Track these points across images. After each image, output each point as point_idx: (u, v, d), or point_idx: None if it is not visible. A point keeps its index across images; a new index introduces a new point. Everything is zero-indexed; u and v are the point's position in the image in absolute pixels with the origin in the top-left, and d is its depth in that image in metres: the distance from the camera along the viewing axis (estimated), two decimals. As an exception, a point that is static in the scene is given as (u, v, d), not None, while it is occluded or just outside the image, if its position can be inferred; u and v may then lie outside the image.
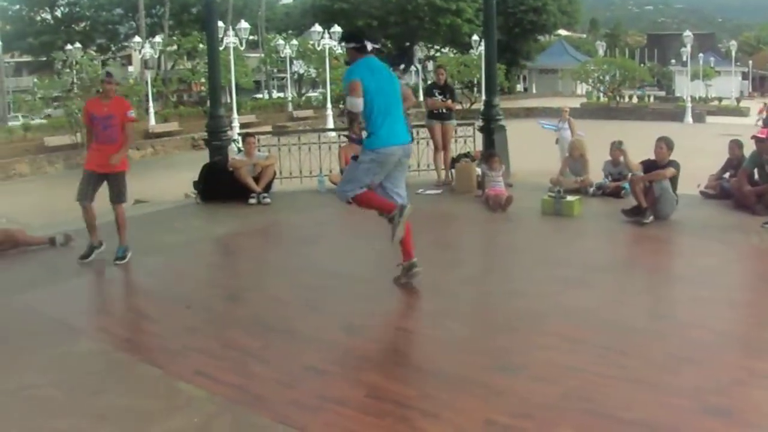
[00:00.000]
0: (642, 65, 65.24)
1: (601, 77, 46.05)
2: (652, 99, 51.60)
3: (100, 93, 8.96)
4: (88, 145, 9.03)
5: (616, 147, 11.17)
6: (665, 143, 9.82)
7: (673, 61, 73.99)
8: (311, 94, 55.56)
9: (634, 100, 46.53)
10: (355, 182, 7.01)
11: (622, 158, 10.90)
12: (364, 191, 7.01)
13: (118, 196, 8.65)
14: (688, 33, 44.87)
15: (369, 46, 6.99)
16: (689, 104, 40.41)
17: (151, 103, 38.27)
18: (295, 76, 54.04)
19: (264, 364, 5.33)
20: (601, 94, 47.17)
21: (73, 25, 61.87)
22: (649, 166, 9.93)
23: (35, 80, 40.44)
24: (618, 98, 45.33)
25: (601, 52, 73.23)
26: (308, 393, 4.79)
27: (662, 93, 65.80)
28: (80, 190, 8.52)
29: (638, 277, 7.73)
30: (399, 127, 7.02)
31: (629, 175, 10.39)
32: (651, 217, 9.56)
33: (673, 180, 9.70)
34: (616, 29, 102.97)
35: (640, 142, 10.64)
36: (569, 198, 10.37)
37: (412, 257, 7.11)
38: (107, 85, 8.75)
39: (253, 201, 11.82)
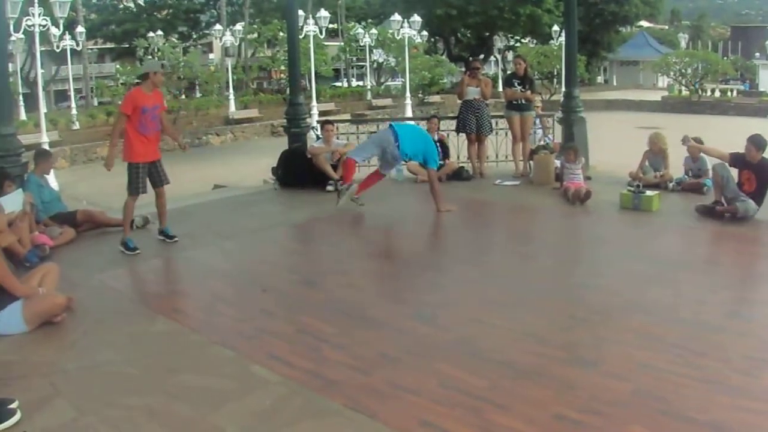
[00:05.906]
0: (725, 58, 63.69)
1: (683, 70, 45.03)
2: (735, 93, 50.24)
3: (143, 84, 8.47)
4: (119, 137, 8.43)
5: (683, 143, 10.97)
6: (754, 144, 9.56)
7: (757, 54, 71.97)
8: (390, 83, 55.51)
9: (717, 93, 45.35)
10: None
11: (701, 154, 10.78)
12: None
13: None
14: (773, 25, 43.61)
15: None
16: (773, 99, 39.30)
17: (231, 90, 38.63)
18: (374, 65, 54.04)
19: (337, 349, 5.38)
20: (683, 88, 46.12)
21: (155, 13, 62.93)
22: (737, 159, 9.74)
23: (117, 66, 41.07)
24: (700, 92, 44.27)
25: (683, 44, 71.75)
26: (380, 380, 4.83)
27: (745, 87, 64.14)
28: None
29: (718, 275, 7.55)
30: None
31: (709, 169, 10.23)
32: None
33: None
34: (699, 21, 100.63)
35: (719, 136, 10.38)
36: (648, 193, 10.24)
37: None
38: (162, 76, 8.61)
39: (330, 188, 11.92)
